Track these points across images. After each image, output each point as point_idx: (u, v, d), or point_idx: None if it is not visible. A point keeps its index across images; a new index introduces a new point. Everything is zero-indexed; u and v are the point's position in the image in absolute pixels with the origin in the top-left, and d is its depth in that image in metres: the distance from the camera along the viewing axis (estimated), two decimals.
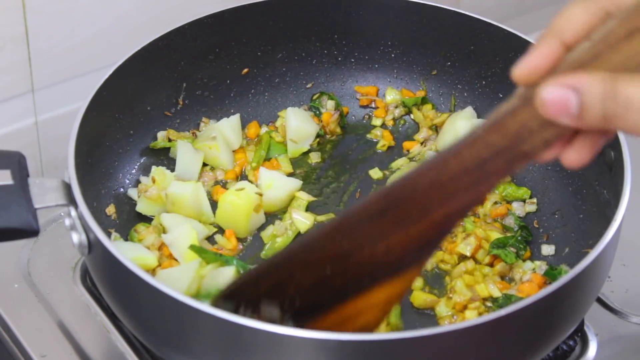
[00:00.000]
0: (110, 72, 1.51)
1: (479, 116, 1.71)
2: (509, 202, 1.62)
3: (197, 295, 1.45)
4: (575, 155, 1.01)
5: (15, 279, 1.56)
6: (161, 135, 1.66)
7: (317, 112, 1.74)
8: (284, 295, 1.20)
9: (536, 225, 1.59)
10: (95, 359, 1.45)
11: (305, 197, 1.62)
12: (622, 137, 1.41)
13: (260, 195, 1.58)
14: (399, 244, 1.12)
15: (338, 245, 1.15)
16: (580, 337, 1.50)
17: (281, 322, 1.19)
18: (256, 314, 1.20)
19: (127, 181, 1.61)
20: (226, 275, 1.46)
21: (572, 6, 0.99)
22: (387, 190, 1.11)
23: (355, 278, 1.15)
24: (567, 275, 1.23)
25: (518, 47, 1.62)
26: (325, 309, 1.18)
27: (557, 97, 0.94)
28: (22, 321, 1.49)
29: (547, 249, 1.55)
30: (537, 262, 1.52)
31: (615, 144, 1.42)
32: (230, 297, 1.23)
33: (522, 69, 0.98)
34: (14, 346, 1.47)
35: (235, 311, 1.19)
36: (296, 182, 1.64)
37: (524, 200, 1.62)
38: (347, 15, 1.73)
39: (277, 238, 1.57)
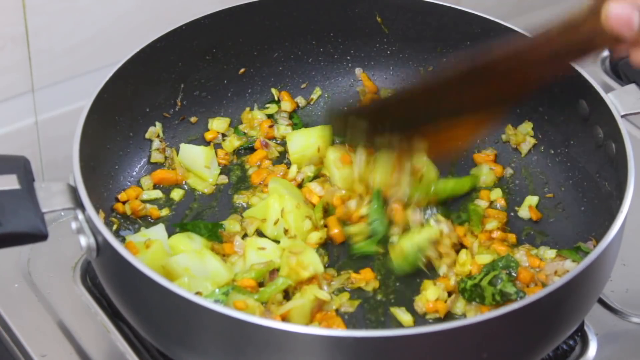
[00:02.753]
0: (110, 74, 1.52)
1: None
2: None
3: None
4: None
5: (15, 279, 1.56)
6: (152, 129, 1.66)
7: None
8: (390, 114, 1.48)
9: (537, 219, 1.59)
10: (95, 359, 1.46)
11: None
12: (623, 129, 1.42)
13: None
14: (483, 95, 1.37)
15: (431, 96, 1.42)
16: (580, 336, 1.51)
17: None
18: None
19: (129, 183, 1.61)
20: None
21: None
22: (474, 61, 1.36)
23: (445, 112, 1.42)
24: (577, 267, 1.24)
25: None
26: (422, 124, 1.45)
27: (621, 13, 1.09)
28: (22, 321, 1.50)
29: (549, 241, 1.55)
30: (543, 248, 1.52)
31: (616, 136, 1.43)
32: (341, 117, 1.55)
33: None
34: (14, 346, 1.48)
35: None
36: None
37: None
38: (343, 13, 1.74)
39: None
